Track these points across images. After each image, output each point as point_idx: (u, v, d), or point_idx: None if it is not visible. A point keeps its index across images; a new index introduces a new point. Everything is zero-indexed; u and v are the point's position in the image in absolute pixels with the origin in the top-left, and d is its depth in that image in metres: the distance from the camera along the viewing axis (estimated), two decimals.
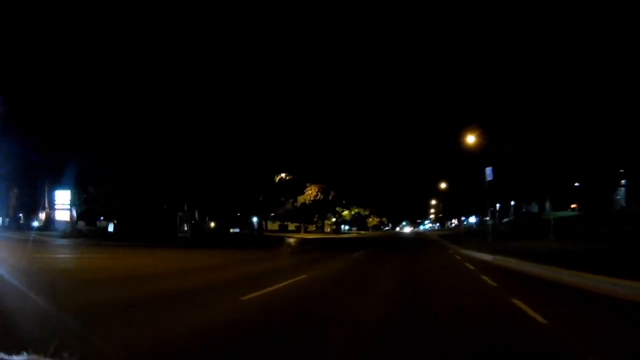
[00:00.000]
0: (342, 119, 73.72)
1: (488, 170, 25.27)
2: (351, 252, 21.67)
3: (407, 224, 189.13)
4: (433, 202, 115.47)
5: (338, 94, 71.34)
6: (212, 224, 55.52)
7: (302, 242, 35.85)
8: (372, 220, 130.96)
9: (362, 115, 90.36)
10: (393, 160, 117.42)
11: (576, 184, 50.99)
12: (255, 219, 53.18)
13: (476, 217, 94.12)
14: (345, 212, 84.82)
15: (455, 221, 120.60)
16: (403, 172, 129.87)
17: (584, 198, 51.67)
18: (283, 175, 49.96)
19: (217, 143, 38.58)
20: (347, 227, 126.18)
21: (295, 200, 55.63)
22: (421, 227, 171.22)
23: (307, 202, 56.05)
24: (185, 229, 37.33)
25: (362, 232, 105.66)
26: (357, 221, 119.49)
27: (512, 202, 75.85)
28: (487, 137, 43.76)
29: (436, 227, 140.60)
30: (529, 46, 36.37)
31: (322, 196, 57.00)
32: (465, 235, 35.29)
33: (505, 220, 69.20)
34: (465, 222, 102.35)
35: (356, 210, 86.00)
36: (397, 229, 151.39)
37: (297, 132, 51.60)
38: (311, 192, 56.28)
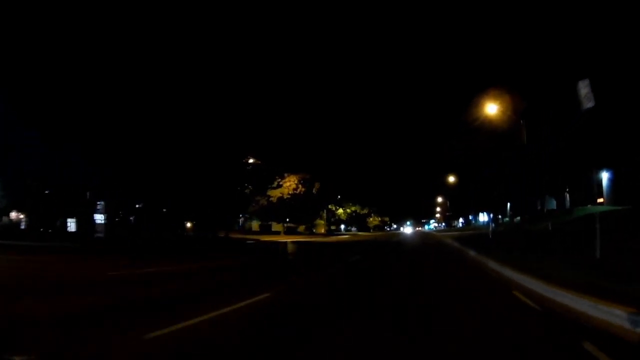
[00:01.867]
0: (334, 99, 64.33)
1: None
2: (296, 276, 11.60)
3: (411, 224, 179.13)
4: (439, 199, 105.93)
5: (324, 71, 61.76)
6: (189, 225, 45.84)
7: (255, 249, 25.45)
8: (373, 220, 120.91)
9: (359, 97, 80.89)
10: (395, 153, 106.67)
11: (605, 173, 43.02)
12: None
13: (488, 215, 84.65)
14: (340, 211, 74.63)
15: (462, 220, 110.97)
16: (406, 167, 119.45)
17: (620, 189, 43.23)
18: (252, 160, 39.93)
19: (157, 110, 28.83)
20: (346, 228, 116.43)
21: (265, 194, 45.52)
22: (426, 227, 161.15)
23: (284, 197, 45.98)
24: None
25: (361, 233, 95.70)
26: (356, 221, 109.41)
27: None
28: (514, 103, 34.00)
29: (442, 227, 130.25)
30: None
31: (303, 189, 46.90)
32: (484, 240, 25.35)
33: (516, 219, 60.33)
34: (473, 222, 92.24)
35: (353, 209, 75.56)
36: (402, 229, 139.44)
37: (271, 110, 41.76)
38: (289, 184, 46.26)
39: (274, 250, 22.87)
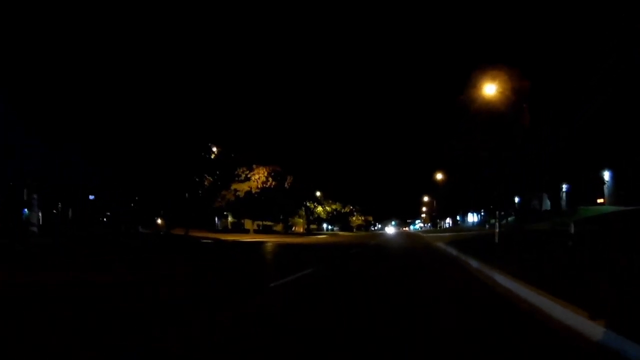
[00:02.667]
0: (313, 87, 59.64)
1: None
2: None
3: (396, 224, 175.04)
4: (425, 198, 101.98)
5: (303, 55, 57.00)
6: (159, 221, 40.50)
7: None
8: (356, 220, 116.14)
9: (340, 87, 76.29)
10: (379, 150, 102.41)
11: (605, 172, 39.84)
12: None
13: (478, 214, 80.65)
14: (319, 209, 69.39)
15: (449, 220, 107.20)
16: (391, 165, 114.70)
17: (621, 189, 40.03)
18: (215, 149, 34.59)
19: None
20: (329, 227, 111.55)
21: (228, 188, 39.90)
22: (411, 228, 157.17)
23: (253, 191, 40.50)
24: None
25: (342, 233, 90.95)
26: (338, 220, 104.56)
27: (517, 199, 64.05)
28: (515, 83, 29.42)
29: (427, 227, 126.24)
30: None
31: (273, 183, 41.52)
32: (488, 245, 20.53)
33: (510, 219, 56.40)
34: (460, 222, 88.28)
35: (333, 207, 70.52)
36: (386, 229, 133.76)
37: (239, 94, 36.52)
38: (258, 177, 40.86)
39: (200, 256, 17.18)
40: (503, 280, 7.85)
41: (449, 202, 70.25)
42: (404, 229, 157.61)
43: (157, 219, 41.40)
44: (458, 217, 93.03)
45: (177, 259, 15.40)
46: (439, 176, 62.59)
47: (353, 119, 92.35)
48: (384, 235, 57.34)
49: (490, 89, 28.92)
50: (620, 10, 22.30)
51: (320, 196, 66.99)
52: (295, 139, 41.81)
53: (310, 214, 67.66)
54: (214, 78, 34.64)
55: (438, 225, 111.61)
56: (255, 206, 41.75)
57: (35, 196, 25.49)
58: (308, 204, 65.18)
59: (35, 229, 25.27)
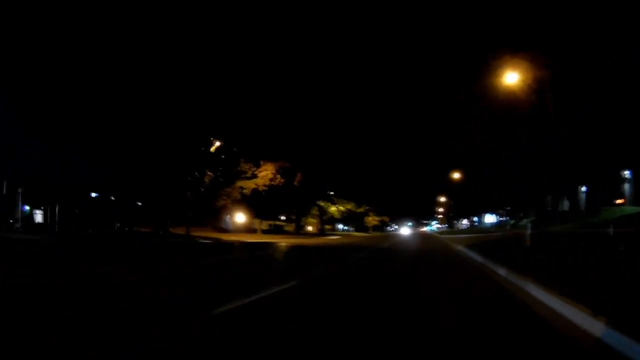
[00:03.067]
0: (325, 83, 57.32)
1: None
2: None
3: (412, 225, 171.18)
4: (442, 199, 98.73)
5: (313, 49, 54.62)
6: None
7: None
8: (372, 220, 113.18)
9: (353, 83, 73.80)
10: (395, 148, 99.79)
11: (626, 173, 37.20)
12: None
13: (496, 215, 77.33)
14: (333, 208, 66.88)
15: (466, 221, 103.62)
16: (407, 164, 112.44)
17: None
18: (218, 144, 32.51)
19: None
20: (344, 228, 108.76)
21: (232, 185, 37.55)
22: (427, 228, 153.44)
23: (260, 188, 38.23)
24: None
25: (356, 233, 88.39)
26: (353, 220, 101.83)
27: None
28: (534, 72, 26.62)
29: (444, 228, 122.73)
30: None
31: (282, 180, 39.12)
32: (519, 250, 17.85)
33: (525, 220, 53.49)
34: (476, 223, 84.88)
35: (347, 207, 67.98)
36: (401, 230, 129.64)
37: (245, 87, 34.56)
38: (265, 174, 38.57)
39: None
40: (559, 305, 5.40)
41: (467, 202, 67.23)
42: (421, 229, 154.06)
43: (160, 217, 39.63)
44: (475, 218, 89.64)
45: (145, 260, 13.25)
46: (456, 175, 59.60)
47: (369, 117, 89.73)
48: (398, 236, 54.62)
49: (512, 78, 26.10)
50: None
51: (333, 195, 64.49)
52: (306, 134, 39.37)
53: (323, 214, 65.18)
54: (217, 69, 32.59)
55: (454, 226, 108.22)
56: (263, 205, 39.49)
57: (20, 190, 23.67)
58: (321, 203, 62.78)
59: (19, 225, 23.41)
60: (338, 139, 49.85)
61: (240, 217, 45.26)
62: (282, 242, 28.62)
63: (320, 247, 24.32)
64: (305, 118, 40.95)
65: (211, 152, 31.88)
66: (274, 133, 36.80)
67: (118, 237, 25.64)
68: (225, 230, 43.55)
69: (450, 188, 73.04)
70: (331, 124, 47.75)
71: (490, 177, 50.77)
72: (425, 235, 56.45)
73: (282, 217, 65.53)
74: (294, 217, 64.96)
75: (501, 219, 72.19)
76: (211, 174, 32.59)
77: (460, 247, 19.98)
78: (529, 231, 14.82)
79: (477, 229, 69.12)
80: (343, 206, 66.79)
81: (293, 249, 22.18)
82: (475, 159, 54.88)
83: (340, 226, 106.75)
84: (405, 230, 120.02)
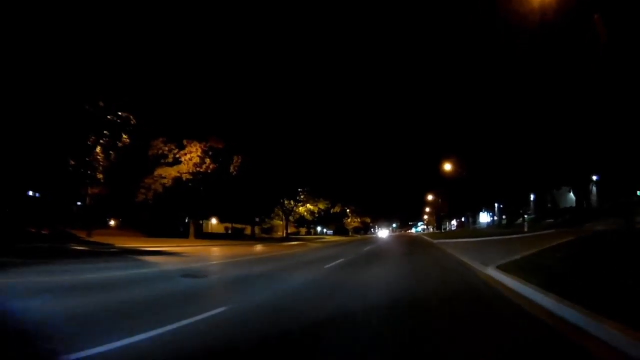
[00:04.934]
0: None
1: None
2: None
3: (397, 227, 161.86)
4: (429, 197, 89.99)
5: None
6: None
7: None
8: (351, 221, 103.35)
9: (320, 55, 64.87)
10: (376, 139, 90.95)
11: None
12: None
13: (489, 213, 68.95)
14: (301, 208, 56.72)
15: (454, 223, 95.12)
16: (391, 158, 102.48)
17: None
18: (122, 114, 22.21)
19: None
20: (324, 230, 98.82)
21: (150, 175, 26.74)
22: (414, 230, 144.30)
23: (183, 177, 27.32)
24: None
25: (332, 237, 78.73)
26: (331, 222, 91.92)
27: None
28: None
29: (430, 230, 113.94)
30: None
31: (212, 165, 28.10)
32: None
33: (528, 218, 45.94)
34: (465, 222, 76.92)
35: (320, 206, 57.72)
36: (379, 232, 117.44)
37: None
38: (190, 157, 27.54)
39: None
40: None
41: (460, 199, 57.86)
42: (408, 231, 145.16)
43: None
44: (463, 218, 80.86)
45: None
46: (448, 167, 50.07)
47: (345, 98, 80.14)
48: (376, 240, 43.93)
49: None
50: None
51: (302, 192, 54.09)
52: (251, 106, 29.26)
53: (288, 214, 54.82)
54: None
55: (443, 227, 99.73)
56: (193, 200, 28.47)
57: None
58: (285, 202, 52.55)
59: None
60: (301, 119, 39.91)
61: (167, 217, 34.38)
62: (173, 258, 17.33)
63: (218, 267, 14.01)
64: (251, 84, 30.65)
65: (110, 119, 21.54)
66: (204, 102, 26.53)
67: None
68: (154, 234, 32.92)
69: (440, 183, 64.20)
70: (291, 97, 37.88)
71: (489, 165, 42.21)
72: (411, 238, 46.37)
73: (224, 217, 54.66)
74: (258, 218, 54.72)
75: (494, 218, 63.94)
76: (95, 140, 22.06)
77: (477, 265, 10.16)
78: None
79: (472, 229, 59.25)
80: (314, 205, 56.56)
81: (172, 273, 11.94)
82: (473, 143, 46.27)
83: (319, 229, 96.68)
84: (383, 233, 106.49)
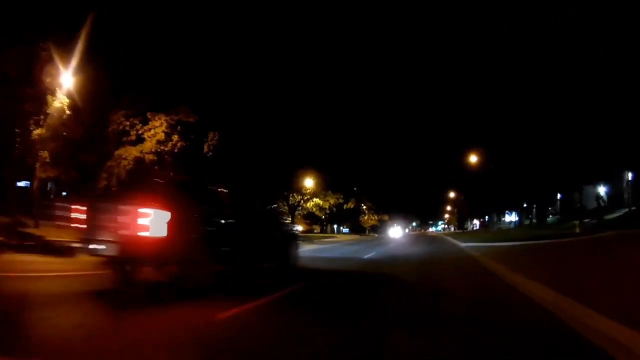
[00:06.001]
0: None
1: None
2: None
3: (417, 226, 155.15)
4: (451, 194, 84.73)
5: None
6: None
7: None
8: (368, 219, 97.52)
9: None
10: (397, 131, 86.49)
11: None
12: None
13: (514, 213, 63.36)
14: (309, 203, 51.46)
15: (476, 222, 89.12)
16: (412, 152, 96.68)
17: None
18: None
19: None
20: (341, 228, 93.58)
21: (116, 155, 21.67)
22: (433, 229, 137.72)
23: (146, 158, 22.04)
24: None
25: (343, 236, 73.42)
26: (347, 219, 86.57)
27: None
28: None
29: (452, 229, 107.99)
30: None
31: (180, 143, 22.60)
32: None
33: (550, 219, 46.44)
34: (488, 222, 71.63)
35: (331, 200, 52.21)
36: (389, 232, 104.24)
37: None
38: (154, 132, 22.24)
39: None
40: None
41: (485, 195, 51.84)
42: (429, 230, 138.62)
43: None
44: (487, 218, 74.89)
45: None
46: (473, 159, 44.29)
47: (359, 86, 74.71)
48: (387, 243, 36.69)
49: None
50: None
51: (311, 187, 48.39)
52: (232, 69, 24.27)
53: (294, 209, 49.73)
54: None
55: (464, 227, 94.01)
56: (143, 185, 24.05)
57: None
58: (290, 196, 47.50)
59: None
60: (308, 99, 34.71)
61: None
62: None
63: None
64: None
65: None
66: (176, 63, 21.60)
67: None
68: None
69: (463, 182, 58.51)
70: (291, 61, 32.79)
71: (519, 162, 37.71)
72: (434, 238, 39.53)
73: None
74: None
75: (520, 218, 58.21)
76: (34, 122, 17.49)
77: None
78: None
79: (506, 232, 52.26)
80: (323, 200, 51.20)
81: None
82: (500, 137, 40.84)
83: (336, 227, 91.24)
84: (396, 232, 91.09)
